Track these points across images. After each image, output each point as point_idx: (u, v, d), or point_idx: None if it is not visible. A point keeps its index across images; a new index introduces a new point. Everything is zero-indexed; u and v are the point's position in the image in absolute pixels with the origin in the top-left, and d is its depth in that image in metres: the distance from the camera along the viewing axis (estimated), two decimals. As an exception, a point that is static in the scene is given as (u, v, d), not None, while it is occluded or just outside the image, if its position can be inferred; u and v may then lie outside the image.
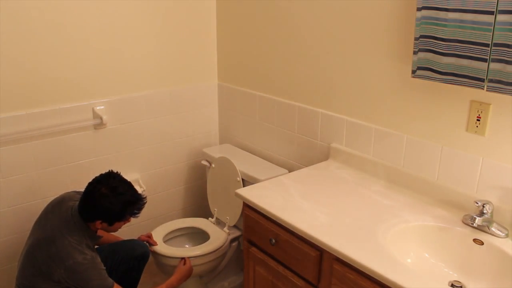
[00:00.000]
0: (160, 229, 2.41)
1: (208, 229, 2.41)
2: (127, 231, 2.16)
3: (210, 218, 2.52)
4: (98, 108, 2.23)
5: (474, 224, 1.43)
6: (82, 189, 1.77)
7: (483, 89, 1.36)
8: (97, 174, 1.78)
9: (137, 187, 2.42)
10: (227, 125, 2.68)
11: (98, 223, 1.75)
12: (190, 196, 2.76)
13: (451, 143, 1.60)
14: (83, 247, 1.71)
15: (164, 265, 2.24)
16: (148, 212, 2.57)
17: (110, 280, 1.76)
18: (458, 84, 1.43)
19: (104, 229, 1.79)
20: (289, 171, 2.13)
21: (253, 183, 1.89)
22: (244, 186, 2.22)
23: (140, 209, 1.82)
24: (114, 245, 2.12)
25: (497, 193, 1.49)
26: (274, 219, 1.59)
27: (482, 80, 1.35)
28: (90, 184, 1.75)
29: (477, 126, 1.51)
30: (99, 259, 1.75)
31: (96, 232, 1.82)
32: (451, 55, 1.41)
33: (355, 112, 1.92)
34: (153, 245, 2.20)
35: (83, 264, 1.68)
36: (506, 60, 1.28)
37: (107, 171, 1.80)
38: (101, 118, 2.22)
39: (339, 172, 1.91)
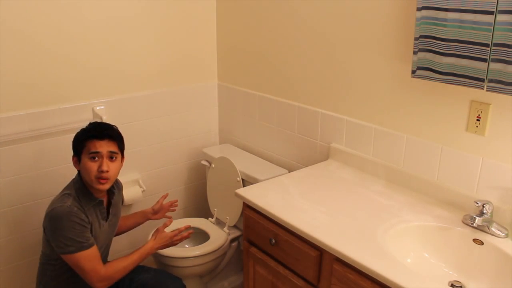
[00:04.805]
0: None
1: (208, 229, 2.41)
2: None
3: (210, 218, 2.52)
4: (98, 108, 2.23)
5: (474, 224, 1.43)
6: None
7: (483, 89, 1.36)
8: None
9: (137, 187, 2.43)
10: (227, 125, 2.68)
11: (75, 161, 1.73)
12: (190, 196, 2.76)
13: (451, 143, 1.60)
14: (69, 199, 1.64)
15: (164, 265, 2.23)
16: (148, 212, 2.57)
17: (89, 241, 1.62)
18: (458, 84, 1.43)
19: (79, 168, 1.72)
20: (289, 171, 2.13)
21: (253, 183, 1.89)
22: (244, 186, 2.22)
23: (93, 128, 1.72)
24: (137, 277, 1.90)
25: (497, 193, 1.49)
26: (274, 219, 1.59)
27: (482, 80, 1.35)
28: None
29: (477, 126, 1.51)
30: (82, 216, 1.63)
31: (86, 186, 1.71)
32: (451, 55, 1.41)
33: (355, 112, 1.92)
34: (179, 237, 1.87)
35: (59, 211, 1.61)
36: (506, 60, 1.28)
37: None
38: (101, 118, 2.21)
39: (339, 172, 1.91)
